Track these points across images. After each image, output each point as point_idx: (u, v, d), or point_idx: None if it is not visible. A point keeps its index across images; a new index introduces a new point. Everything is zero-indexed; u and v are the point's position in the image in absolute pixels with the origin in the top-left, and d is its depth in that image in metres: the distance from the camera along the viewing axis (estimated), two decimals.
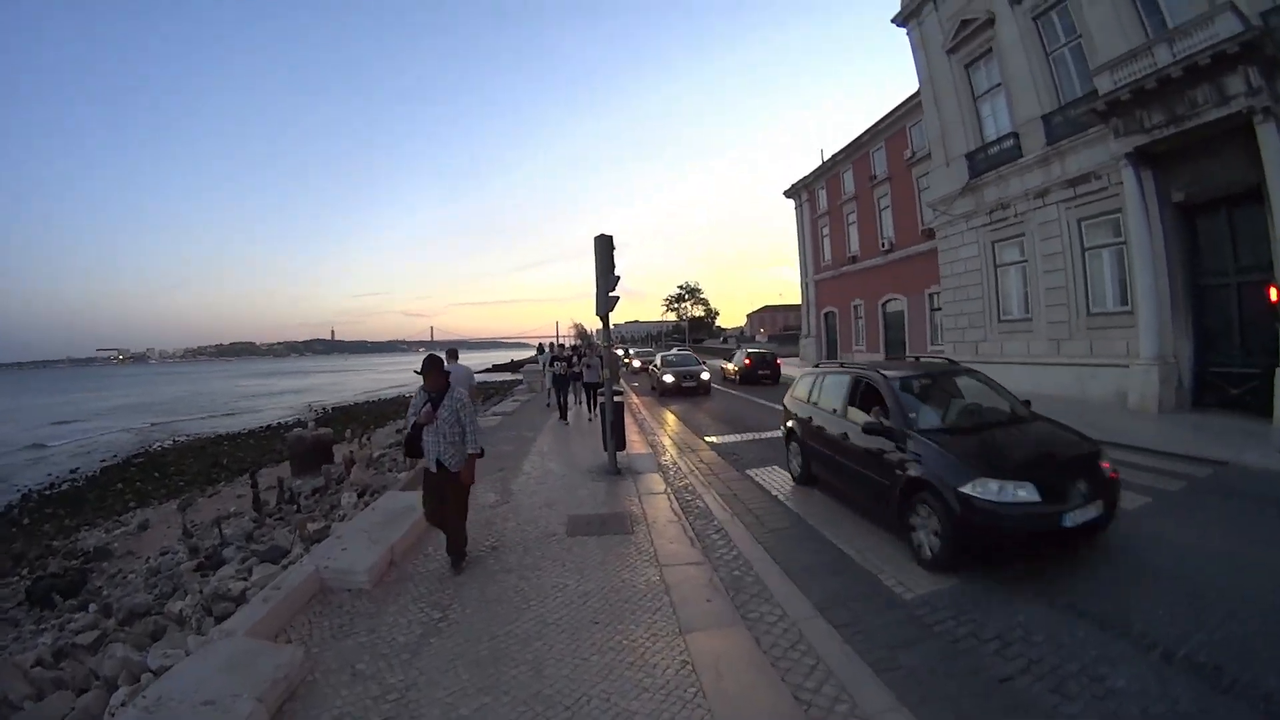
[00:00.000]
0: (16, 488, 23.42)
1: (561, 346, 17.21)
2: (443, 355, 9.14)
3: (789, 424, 8.95)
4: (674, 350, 35.36)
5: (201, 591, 6.30)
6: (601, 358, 14.75)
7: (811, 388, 8.57)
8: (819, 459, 7.97)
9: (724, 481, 9.15)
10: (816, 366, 9.04)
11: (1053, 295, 15.85)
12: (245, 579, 6.33)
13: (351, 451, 15.85)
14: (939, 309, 25.28)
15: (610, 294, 9.40)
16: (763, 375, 26.39)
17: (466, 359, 10.54)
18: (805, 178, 38.25)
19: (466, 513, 5.95)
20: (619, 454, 9.74)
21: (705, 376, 22.99)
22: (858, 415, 7.02)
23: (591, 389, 16.05)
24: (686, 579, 5.40)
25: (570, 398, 16.62)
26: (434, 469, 5.68)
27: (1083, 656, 4.03)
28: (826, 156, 35.39)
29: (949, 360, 10.04)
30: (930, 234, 25.51)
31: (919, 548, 5.74)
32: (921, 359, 8.65)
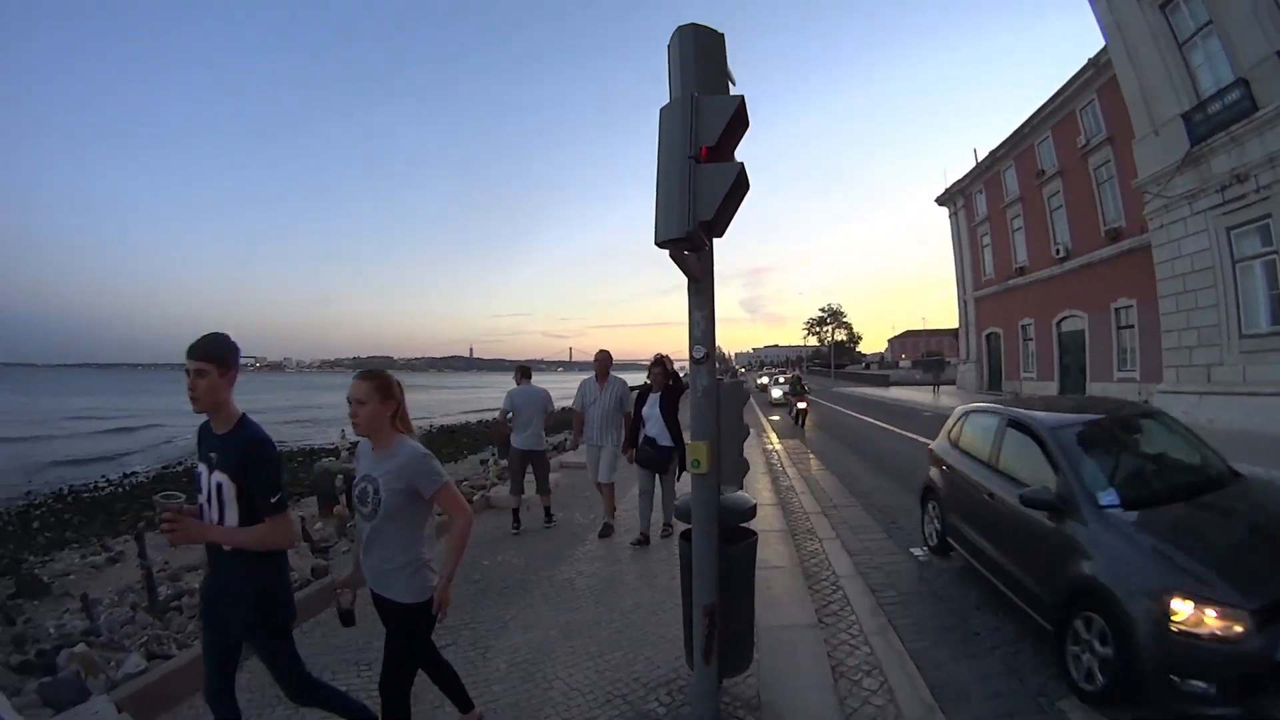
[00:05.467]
0: (63, 481, 21.94)
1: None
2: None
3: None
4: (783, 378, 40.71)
5: None
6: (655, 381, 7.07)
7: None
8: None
9: None
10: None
11: None
12: None
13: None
14: (1128, 326, 21.26)
15: (723, 171, 2.81)
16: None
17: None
18: (959, 181, 34.25)
19: None
20: (734, 678, 3.78)
21: (802, 406, 21.47)
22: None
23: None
24: None
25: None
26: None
27: None
28: (981, 156, 31.14)
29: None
30: (1115, 235, 21.35)
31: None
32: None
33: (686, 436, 6.06)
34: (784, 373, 60.37)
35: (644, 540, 6.70)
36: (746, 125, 2.98)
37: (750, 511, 3.71)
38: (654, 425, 6.92)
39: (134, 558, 10.86)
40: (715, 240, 3.19)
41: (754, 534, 3.78)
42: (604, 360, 7.68)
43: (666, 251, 2.96)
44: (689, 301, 3.28)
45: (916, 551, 6.71)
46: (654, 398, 7.02)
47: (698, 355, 3.27)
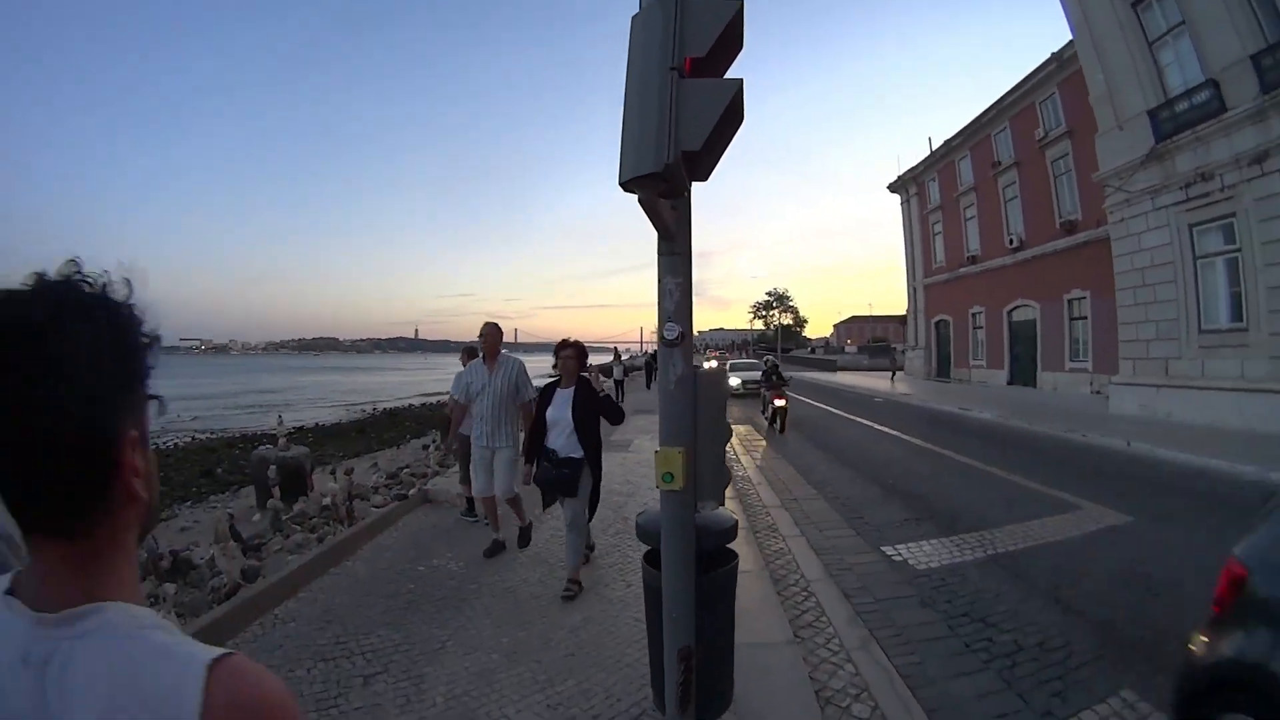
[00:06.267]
0: None
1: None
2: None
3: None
4: (744, 360, 39.69)
5: None
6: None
7: None
8: None
9: None
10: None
11: (1277, 297, 11.71)
12: None
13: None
14: (1081, 317, 21.61)
15: (717, 89, 2.09)
16: None
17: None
18: (913, 168, 34.34)
19: None
20: None
21: (780, 403, 15.17)
22: None
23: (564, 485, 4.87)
24: None
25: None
26: None
27: None
28: (937, 145, 31.26)
29: None
30: (1070, 228, 21.55)
31: None
32: None
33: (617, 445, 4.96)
34: (731, 356, 53.90)
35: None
36: (741, 46, 2.27)
37: (731, 531, 2.98)
38: (560, 433, 4.97)
39: None
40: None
41: (734, 555, 3.07)
42: (493, 336, 5.88)
43: (635, 199, 2.12)
44: (659, 266, 2.53)
45: (889, 550, 6.23)
46: (563, 395, 5.07)
47: (670, 336, 2.52)
